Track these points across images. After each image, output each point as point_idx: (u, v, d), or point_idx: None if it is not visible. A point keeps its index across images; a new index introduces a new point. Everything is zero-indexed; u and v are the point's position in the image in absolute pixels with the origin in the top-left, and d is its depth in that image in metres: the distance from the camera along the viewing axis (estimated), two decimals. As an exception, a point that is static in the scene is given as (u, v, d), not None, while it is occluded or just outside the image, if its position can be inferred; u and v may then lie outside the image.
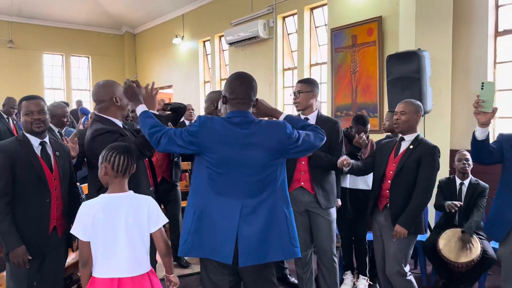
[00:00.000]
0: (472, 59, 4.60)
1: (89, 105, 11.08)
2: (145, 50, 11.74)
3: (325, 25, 6.44)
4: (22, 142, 2.33)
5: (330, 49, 5.98)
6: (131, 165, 1.99)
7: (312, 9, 6.75)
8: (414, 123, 2.77)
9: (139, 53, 12.12)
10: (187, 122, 5.57)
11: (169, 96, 10.26)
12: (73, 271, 2.88)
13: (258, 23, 7.25)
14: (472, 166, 3.56)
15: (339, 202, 3.37)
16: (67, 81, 11.60)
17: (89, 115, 5.85)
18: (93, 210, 1.91)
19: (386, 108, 5.05)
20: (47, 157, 2.39)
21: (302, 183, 2.92)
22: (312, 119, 2.96)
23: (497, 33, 4.52)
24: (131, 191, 2.01)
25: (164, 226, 2.05)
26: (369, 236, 3.70)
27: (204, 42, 9.50)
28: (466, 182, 3.56)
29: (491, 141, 2.45)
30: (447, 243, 3.33)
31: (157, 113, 2.28)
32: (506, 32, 4.47)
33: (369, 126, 3.65)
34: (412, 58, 4.23)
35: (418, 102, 2.88)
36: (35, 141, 2.36)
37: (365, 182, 3.58)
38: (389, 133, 3.67)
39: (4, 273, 2.45)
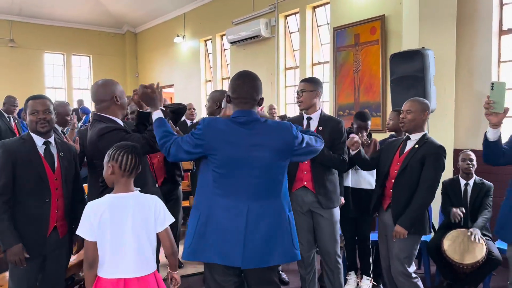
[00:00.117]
0: (476, 57, 4.57)
1: (90, 104, 11.07)
2: (146, 49, 11.72)
3: (328, 24, 6.41)
4: (26, 141, 2.33)
5: (333, 48, 5.96)
6: (138, 164, 1.98)
7: (314, 7, 6.73)
8: (421, 122, 2.72)
9: (140, 52, 12.10)
10: (188, 122, 5.56)
11: (170, 95, 10.24)
12: (75, 272, 2.86)
13: (260, 22, 7.22)
14: (476, 166, 3.54)
15: (342, 200, 3.34)
16: (68, 81, 11.58)
17: (90, 115, 5.84)
18: (100, 210, 1.89)
19: (389, 107, 5.02)
20: (51, 157, 2.38)
21: (305, 183, 2.90)
22: (315, 118, 2.94)
23: (501, 32, 4.49)
24: (137, 191, 2.00)
25: None
26: (373, 236, 3.68)
27: (205, 41, 9.48)
28: (471, 182, 3.53)
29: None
30: (451, 243, 3.30)
31: (163, 109, 2.28)
32: (510, 30, 4.43)
33: (369, 122, 3.62)
34: (416, 57, 4.20)
35: (425, 101, 2.82)
36: (39, 141, 2.35)
37: (368, 182, 3.56)
38: (393, 133, 3.65)
39: (7, 273, 2.44)
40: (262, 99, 2.11)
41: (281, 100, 7.37)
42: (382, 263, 2.95)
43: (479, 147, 4.45)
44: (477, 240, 3.21)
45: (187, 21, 9.74)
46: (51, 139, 2.41)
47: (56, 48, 11.27)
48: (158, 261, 2.70)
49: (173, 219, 2.02)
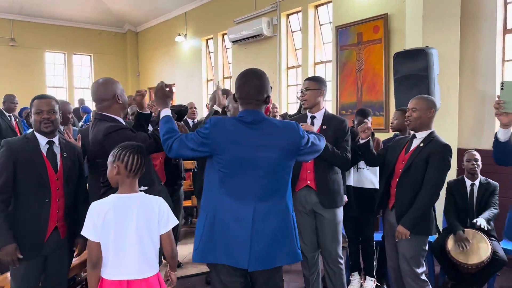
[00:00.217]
0: (480, 56, 4.54)
1: (91, 103, 11.04)
2: (148, 48, 11.69)
3: (330, 22, 6.38)
4: (29, 140, 2.33)
5: (335, 47, 5.93)
6: (143, 165, 1.96)
7: (316, 6, 6.69)
8: (427, 120, 2.67)
9: (142, 51, 12.08)
10: (190, 121, 5.54)
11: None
12: (77, 272, 2.84)
13: (262, 21, 7.19)
14: (481, 166, 3.51)
15: (345, 198, 3.32)
16: (69, 80, 11.56)
17: (91, 114, 5.81)
18: (103, 210, 1.88)
19: (392, 107, 5.00)
20: (53, 156, 2.37)
21: (308, 182, 2.88)
22: (319, 117, 2.93)
23: (506, 31, 4.46)
24: (142, 192, 1.98)
25: None
26: (377, 236, 3.66)
27: (207, 40, 9.45)
28: (477, 182, 3.50)
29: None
30: (456, 244, 3.27)
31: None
32: (515, 29, 4.41)
33: (370, 118, 3.60)
34: (420, 56, 4.17)
35: (431, 98, 2.78)
36: (42, 140, 2.35)
37: (371, 181, 3.53)
38: (397, 132, 3.62)
39: (8, 274, 2.43)
40: (268, 97, 2.08)
41: (283, 99, 7.34)
42: (388, 262, 2.91)
43: (483, 146, 4.48)
44: (482, 226, 3.17)
45: (189, 20, 9.72)
46: (55, 139, 2.40)
47: (57, 47, 11.25)
48: (160, 261, 2.70)
49: (177, 222, 2.02)
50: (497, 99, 2.17)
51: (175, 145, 2.00)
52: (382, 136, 4.13)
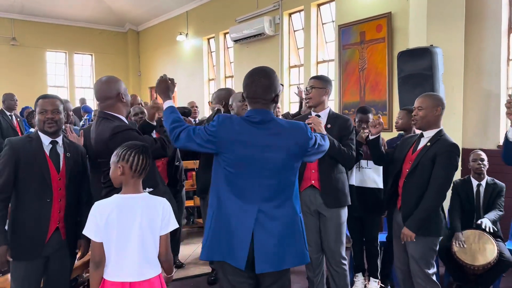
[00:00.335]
0: (485, 55, 4.50)
1: (93, 103, 11.02)
2: (149, 47, 11.67)
3: (333, 21, 6.35)
4: (32, 139, 2.32)
5: (338, 46, 5.90)
6: (148, 165, 1.94)
7: (319, 5, 6.66)
8: (433, 118, 2.61)
9: (143, 50, 12.06)
10: (191, 120, 5.52)
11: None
12: (79, 273, 2.81)
13: (264, 20, 7.16)
14: (488, 166, 3.47)
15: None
16: (70, 79, 11.55)
17: (93, 113, 5.78)
18: (107, 211, 1.85)
19: (395, 106, 4.97)
20: (56, 156, 2.35)
21: (313, 181, 2.86)
22: (323, 116, 2.90)
23: (511, 30, 4.43)
24: (146, 193, 1.95)
25: None
26: (381, 237, 3.62)
27: (208, 39, 9.43)
28: (483, 183, 3.46)
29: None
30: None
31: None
32: (520, 28, 4.37)
33: (370, 115, 3.56)
34: (424, 55, 4.14)
35: (438, 96, 2.72)
36: (46, 140, 2.34)
37: (374, 180, 3.49)
38: (402, 132, 3.59)
39: (8, 275, 2.40)
40: (276, 96, 2.03)
41: (285, 98, 7.31)
42: (395, 263, 2.86)
43: (488, 146, 4.45)
44: (487, 229, 3.15)
45: (190, 19, 9.69)
46: (59, 139, 2.38)
47: (58, 47, 11.24)
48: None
49: (177, 226, 1.99)
50: (508, 98, 2.13)
51: (183, 135, 1.97)
52: (385, 136, 4.10)
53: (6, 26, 10.38)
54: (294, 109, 7.29)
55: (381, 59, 5.35)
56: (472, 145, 4.49)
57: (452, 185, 3.43)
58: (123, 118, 2.40)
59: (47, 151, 2.32)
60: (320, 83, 2.86)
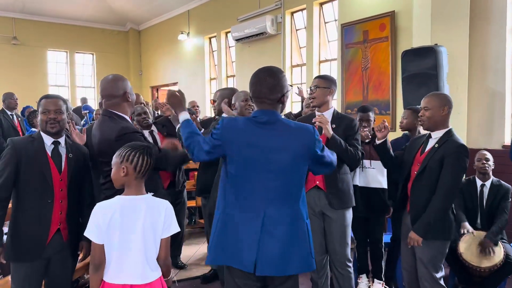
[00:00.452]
0: (490, 55, 4.46)
1: (94, 102, 11.00)
2: (150, 46, 11.64)
3: (335, 20, 6.31)
4: (35, 139, 2.31)
5: (341, 45, 5.86)
6: (151, 166, 1.92)
7: (321, 4, 6.62)
8: (440, 118, 2.54)
9: (144, 49, 12.03)
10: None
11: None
12: (79, 275, 2.78)
13: (266, 19, 7.12)
14: (493, 167, 3.43)
15: None
16: (71, 78, 11.52)
17: (94, 113, 5.75)
18: (109, 212, 1.82)
19: (399, 106, 4.93)
20: (58, 157, 2.33)
21: (317, 182, 2.82)
22: (328, 116, 2.86)
23: (516, 28, 4.38)
24: (149, 194, 1.93)
25: None
26: (385, 238, 3.58)
27: (210, 38, 9.39)
28: (488, 183, 3.41)
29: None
30: (468, 247, 3.20)
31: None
32: (525, 27, 4.33)
33: (370, 113, 3.52)
34: (428, 54, 4.10)
35: (444, 95, 2.65)
36: (48, 140, 2.32)
37: (378, 181, 3.45)
38: (406, 132, 3.55)
39: (9, 277, 2.38)
40: (283, 96, 1.99)
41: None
42: (402, 265, 2.80)
43: (492, 146, 4.40)
44: (491, 254, 3.12)
45: (191, 18, 9.65)
46: (61, 140, 2.36)
47: (59, 46, 11.21)
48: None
49: (178, 229, 1.97)
50: None
51: (195, 150, 1.96)
52: (389, 136, 4.06)
53: (7, 25, 10.35)
54: (296, 108, 7.26)
55: (384, 58, 5.31)
56: (477, 145, 4.45)
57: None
58: (128, 118, 2.38)
59: (49, 152, 2.30)
60: (325, 82, 2.82)
